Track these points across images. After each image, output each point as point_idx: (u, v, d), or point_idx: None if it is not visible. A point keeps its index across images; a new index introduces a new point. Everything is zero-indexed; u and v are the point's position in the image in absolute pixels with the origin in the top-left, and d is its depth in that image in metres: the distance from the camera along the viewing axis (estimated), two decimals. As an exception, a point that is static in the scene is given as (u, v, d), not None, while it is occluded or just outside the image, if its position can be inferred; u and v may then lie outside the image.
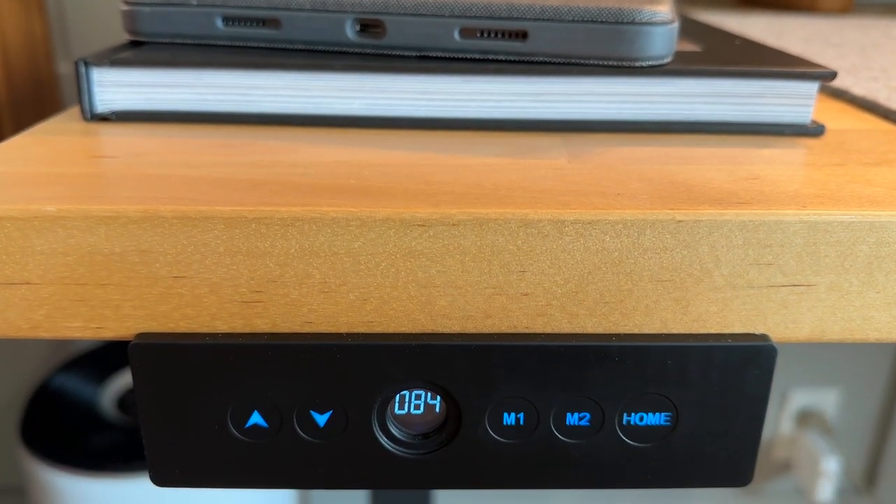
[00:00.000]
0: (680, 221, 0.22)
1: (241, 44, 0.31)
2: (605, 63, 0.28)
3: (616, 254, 0.23)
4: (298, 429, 0.24)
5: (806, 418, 0.97)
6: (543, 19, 0.28)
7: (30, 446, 0.67)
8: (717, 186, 0.24)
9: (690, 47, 0.33)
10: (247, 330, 0.24)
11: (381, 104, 0.30)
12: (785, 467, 1.00)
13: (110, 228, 0.22)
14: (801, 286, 0.24)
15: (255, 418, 0.24)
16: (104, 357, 0.79)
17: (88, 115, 0.30)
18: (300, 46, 0.30)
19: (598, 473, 0.25)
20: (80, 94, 0.30)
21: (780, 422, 0.97)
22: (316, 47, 0.30)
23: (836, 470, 0.92)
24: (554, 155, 0.27)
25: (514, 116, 0.30)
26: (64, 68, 0.77)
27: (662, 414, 0.24)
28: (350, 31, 0.30)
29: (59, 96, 0.75)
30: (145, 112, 0.30)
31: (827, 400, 0.97)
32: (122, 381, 0.76)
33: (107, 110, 0.30)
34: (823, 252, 0.23)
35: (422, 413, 0.25)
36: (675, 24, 0.28)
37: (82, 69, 0.29)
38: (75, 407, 0.72)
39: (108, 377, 0.76)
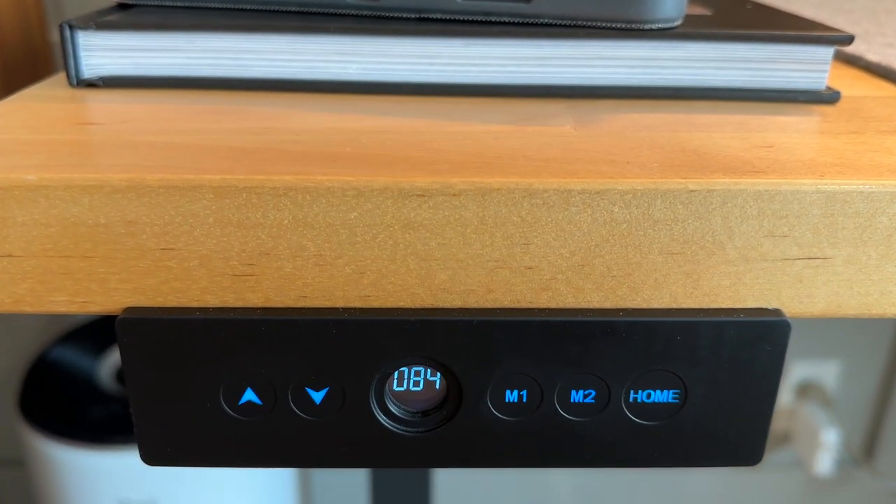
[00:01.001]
0: (692, 191, 0.22)
1: (232, 6, 0.30)
2: (613, 25, 0.27)
3: (625, 225, 0.22)
4: (294, 406, 0.24)
5: (805, 390, 0.97)
6: (549, -21, 0.27)
7: (28, 419, 0.66)
8: (730, 154, 0.23)
9: (701, 11, 0.32)
10: (239, 304, 0.23)
11: (378, 69, 0.28)
12: (784, 439, 1.00)
13: (94, 198, 0.21)
14: (816, 259, 0.23)
15: (249, 395, 0.24)
16: (102, 329, 0.78)
17: (74, 81, 0.29)
18: (294, 8, 0.29)
19: (603, 452, 0.24)
20: (66, 59, 0.29)
21: (779, 393, 0.97)
22: (310, 9, 0.29)
23: (835, 442, 0.92)
24: (560, 122, 0.26)
25: (518, 81, 0.29)
26: (57, 36, 0.76)
27: (670, 391, 0.24)
28: (346, -8, 0.28)
29: (52, 64, 0.74)
30: (133, 77, 0.29)
31: (827, 372, 0.97)
32: (120, 353, 0.76)
33: (93, 76, 0.29)
34: (841, 223, 0.22)
35: (421, 390, 0.24)
36: (687, -15, 0.27)
37: (67, 33, 0.28)
38: (73, 379, 0.72)
39: (106, 349, 0.76)
